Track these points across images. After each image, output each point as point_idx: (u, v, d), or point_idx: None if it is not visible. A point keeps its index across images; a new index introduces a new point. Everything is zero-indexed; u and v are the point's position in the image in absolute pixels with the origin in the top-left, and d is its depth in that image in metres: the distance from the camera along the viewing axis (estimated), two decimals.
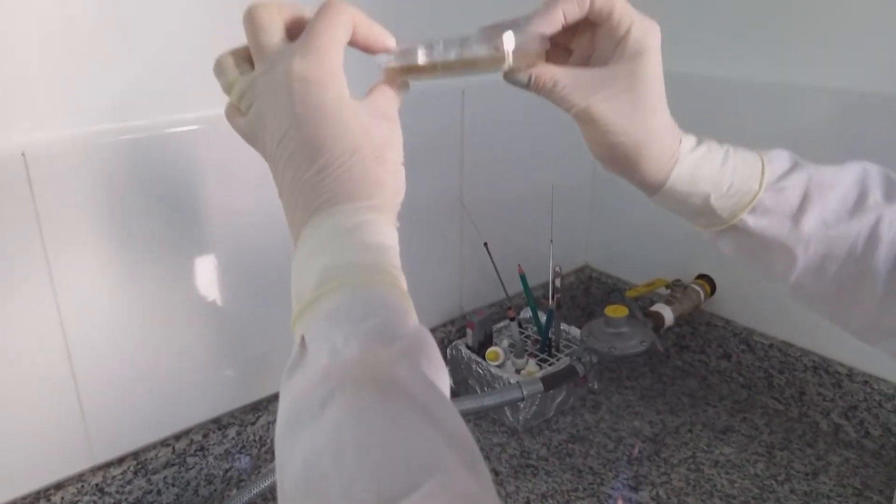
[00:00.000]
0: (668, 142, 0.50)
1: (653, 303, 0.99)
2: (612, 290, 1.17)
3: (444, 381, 0.37)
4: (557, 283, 0.98)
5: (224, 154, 0.72)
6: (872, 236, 0.51)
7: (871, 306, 0.52)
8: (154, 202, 0.70)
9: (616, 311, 0.94)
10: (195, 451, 0.78)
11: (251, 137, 0.44)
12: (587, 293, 1.22)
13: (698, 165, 0.51)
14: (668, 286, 1.03)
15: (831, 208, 0.51)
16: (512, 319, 0.99)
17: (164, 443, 0.77)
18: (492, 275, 0.98)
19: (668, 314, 0.96)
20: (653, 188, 0.52)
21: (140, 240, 0.70)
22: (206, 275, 0.76)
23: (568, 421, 0.97)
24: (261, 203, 0.75)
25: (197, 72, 0.69)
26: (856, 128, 0.84)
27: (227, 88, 0.45)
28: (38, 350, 0.66)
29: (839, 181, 0.52)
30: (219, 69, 0.45)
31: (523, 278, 0.99)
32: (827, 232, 0.51)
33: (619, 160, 0.51)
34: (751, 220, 0.52)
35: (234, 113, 0.45)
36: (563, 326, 1.03)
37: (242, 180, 0.74)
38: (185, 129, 0.70)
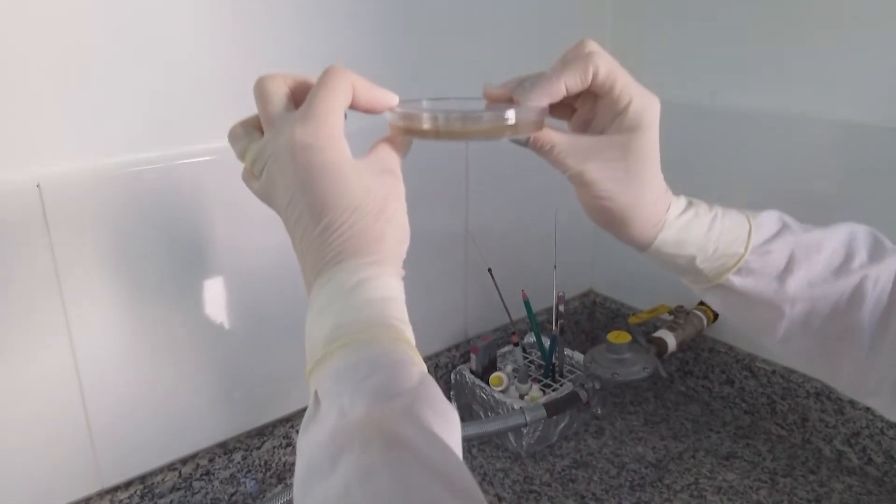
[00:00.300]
0: (657, 208, 0.51)
1: (656, 328, 0.99)
2: (616, 315, 1.18)
3: (451, 427, 0.38)
4: (561, 308, 0.99)
5: (233, 184, 0.73)
6: (857, 294, 0.52)
7: (858, 362, 0.53)
8: (164, 232, 0.72)
9: (619, 338, 0.94)
10: (201, 475, 0.79)
11: (266, 198, 0.47)
12: (591, 318, 1.22)
13: (685, 230, 0.52)
14: (670, 312, 1.04)
15: (817, 270, 0.52)
16: (516, 345, 1.00)
17: (170, 467, 0.77)
18: (496, 300, 0.98)
19: (670, 340, 0.97)
20: (639, 248, 0.54)
21: (151, 267, 0.71)
22: (214, 301, 0.77)
23: (571, 446, 0.97)
24: (269, 232, 0.76)
25: (206, 104, 0.71)
26: (856, 159, 0.85)
27: (241, 155, 0.47)
28: (48, 375, 0.67)
29: (826, 244, 0.53)
30: (232, 138, 0.47)
31: (527, 304, 1.00)
32: (812, 291, 0.52)
33: (608, 222, 0.52)
34: (736, 280, 0.53)
35: (250, 177, 0.47)
36: (567, 352, 1.04)
37: (251, 209, 0.75)
38: (195, 160, 0.72)
